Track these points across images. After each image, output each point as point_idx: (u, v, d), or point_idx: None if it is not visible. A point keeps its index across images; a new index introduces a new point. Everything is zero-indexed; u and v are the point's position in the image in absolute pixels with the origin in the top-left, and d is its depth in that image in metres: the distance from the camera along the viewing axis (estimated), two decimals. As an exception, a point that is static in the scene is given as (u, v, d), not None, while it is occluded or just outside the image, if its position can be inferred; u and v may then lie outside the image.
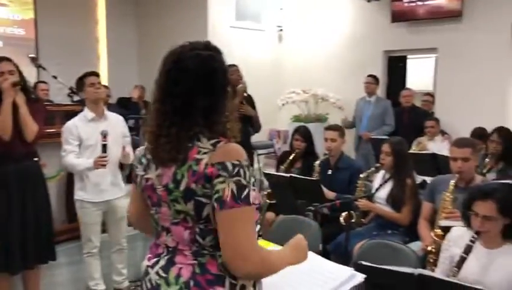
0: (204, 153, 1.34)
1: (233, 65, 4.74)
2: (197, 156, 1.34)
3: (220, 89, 1.42)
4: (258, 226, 1.51)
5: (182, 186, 1.34)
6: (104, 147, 3.24)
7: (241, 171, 1.31)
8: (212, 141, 1.36)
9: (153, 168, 1.43)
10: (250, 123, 4.95)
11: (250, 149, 5.20)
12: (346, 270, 1.78)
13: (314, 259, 1.94)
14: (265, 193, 3.75)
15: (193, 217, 1.36)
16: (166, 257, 1.43)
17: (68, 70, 4.80)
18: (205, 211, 1.34)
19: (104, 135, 3.25)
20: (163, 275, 1.41)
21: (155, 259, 1.46)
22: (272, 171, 4.69)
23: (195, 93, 1.37)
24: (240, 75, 4.91)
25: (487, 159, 4.26)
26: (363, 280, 1.76)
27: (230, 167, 1.30)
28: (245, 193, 1.30)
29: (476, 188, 2.27)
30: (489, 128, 5.00)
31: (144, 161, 1.48)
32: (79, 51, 7.10)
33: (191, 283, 1.36)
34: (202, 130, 1.38)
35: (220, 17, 7.22)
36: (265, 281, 1.59)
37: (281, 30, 8.09)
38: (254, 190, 1.34)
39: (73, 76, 3.70)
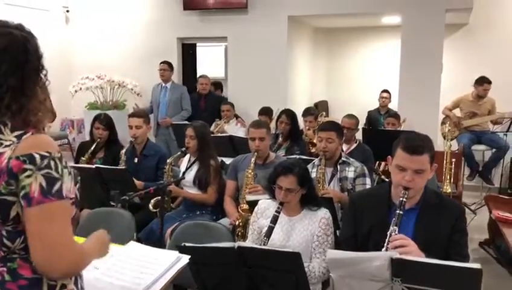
0: (6, 146, 1.21)
1: None
2: None
3: (32, 72, 1.29)
4: None
5: None
6: None
7: (52, 163, 1.20)
8: (17, 133, 1.23)
9: None
10: None
11: None
12: (172, 254, 1.82)
13: (138, 248, 1.92)
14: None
15: None
16: None
17: None
18: (13, 211, 1.21)
19: None
20: None
21: None
22: (71, 163, 4.36)
23: (3, 72, 1.23)
24: None
25: (280, 139, 4.76)
26: (188, 261, 1.81)
27: (38, 158, 1.19)
28: (57, 186, 1.20)
29: (279, 165, 2.55)
30: (274, 107, 5.69)
31: None
32: None
33: None
34: (4, 119, 1.24)
35: (-9, -8, 6.28)
36: (88, 276, 1.51)
37: (68, 11, 7.50)
38: (68, 182, 1.24)
39: None
